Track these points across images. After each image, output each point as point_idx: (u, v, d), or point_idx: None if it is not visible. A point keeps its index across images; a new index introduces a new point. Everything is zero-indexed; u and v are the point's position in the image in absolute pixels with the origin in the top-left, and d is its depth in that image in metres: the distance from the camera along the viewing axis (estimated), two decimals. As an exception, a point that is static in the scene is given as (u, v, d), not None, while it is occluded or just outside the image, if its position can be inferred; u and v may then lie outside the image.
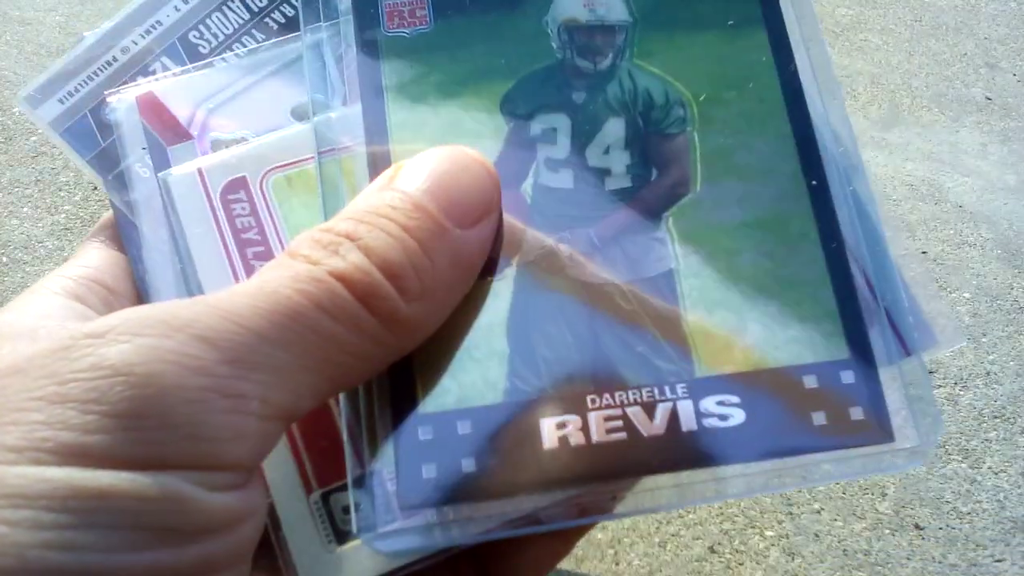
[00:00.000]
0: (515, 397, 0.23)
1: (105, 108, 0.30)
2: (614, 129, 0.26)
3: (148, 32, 0.32)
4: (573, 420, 0.23)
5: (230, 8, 0.32)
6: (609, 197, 0.25)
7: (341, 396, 0.24)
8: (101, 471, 0.19)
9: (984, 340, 0.72)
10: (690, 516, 0.51)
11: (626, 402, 0.23)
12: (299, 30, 0.30)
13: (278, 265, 0.23)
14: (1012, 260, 0.77)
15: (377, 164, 0.25)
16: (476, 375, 0.24)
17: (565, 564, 0.50)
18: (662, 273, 0.25)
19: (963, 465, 0.56)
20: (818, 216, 0.25)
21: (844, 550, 0.49)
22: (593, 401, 0.23)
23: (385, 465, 0.23)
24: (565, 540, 0.28)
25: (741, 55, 0.27)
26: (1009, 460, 0.57)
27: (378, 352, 0.23)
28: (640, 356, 0.24)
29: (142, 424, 0.19)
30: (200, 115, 0.30)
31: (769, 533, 0.51)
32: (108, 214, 0.31)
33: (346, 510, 0.24)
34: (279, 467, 0.25)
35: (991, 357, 0.70)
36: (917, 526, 0.50)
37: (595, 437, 0.23)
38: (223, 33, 0.32)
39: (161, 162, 0.29)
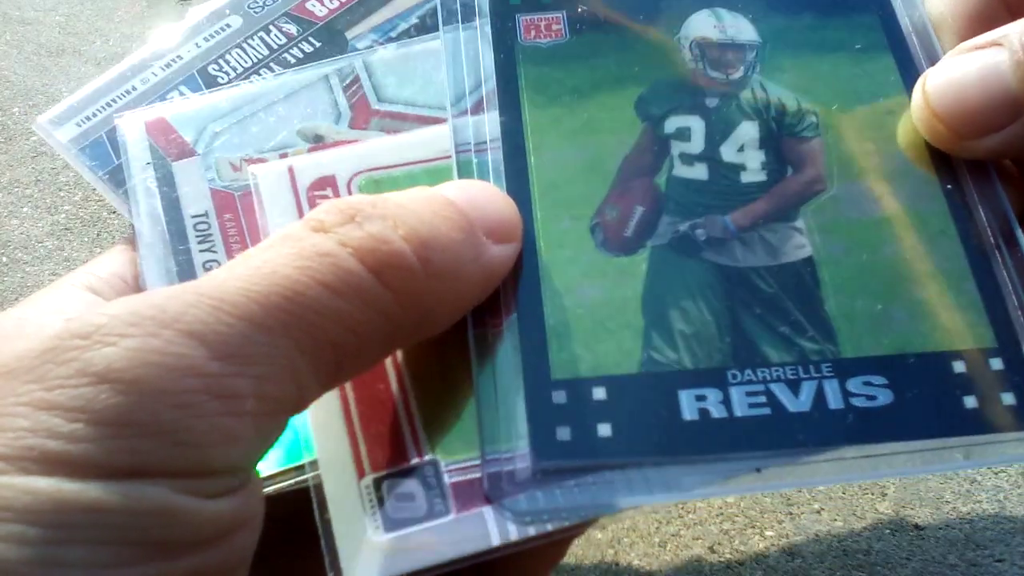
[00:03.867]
0: (652, 368, 0.24)
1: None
2: (748, 131, 0.27)
3: (168, 65, 0.34)
4: (714, 393, 0.23)
5: (250, 45, 0.33)
6: (744, 188, 0.27)
7: (472, 357, 0.24)
8: (87, 482, 0.18)
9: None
10: (690, 516, 0.51)
11: (769, 379, 0.24)
12: (313, 64, 0.32)
13: (285, 238, 0.22)
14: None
15: (514, 159, 0.26)
16: (610, 345, 0.24)
17: (564, 564, 0.50)
18: (802, 260, 0.26)
19: (963, 465, 0.56)
20: (955, 216, 0.26)
21: (844, 550, 0.49)
22: (734, 376, 0.24)
23: (517, 428, 0.23)
24: (561, 543, 0.28)
25: (869, 75, 0.28)
26: (1009, 460, 0.56)
27: (386, 329, 0.22)
28: (782, 335, 0.24)
29: (128, 432, 0.18)
30: (206, 136, 0.30)
31: (769, 533, 0.51)
32: None
33: (399, 497, 0.23)
34: (331, 448, 0.24)
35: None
36: (917, 526, 0.50)
37: (737, 411, 0.23)
38: (242, 66, 0.34)
39: (165, 177, 0.30)
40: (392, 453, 0.24)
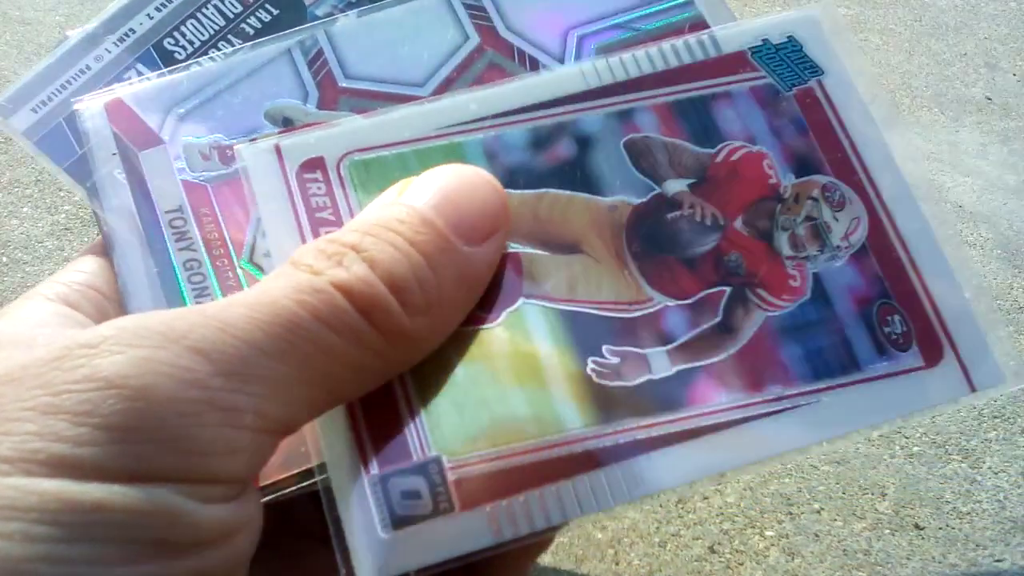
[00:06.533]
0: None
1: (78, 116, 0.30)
2: None
3: (122, 40, 0.32)
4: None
5: (204, 15, 0.32)
6: None
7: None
8: (92, 484, 0.18)
9: (984, 340, 0.72)
10: (690, 516, 0.51)
11: None
12: (272, 34, 0.30)
13: (280, 275, 0.22)
14: (1012, 260, 0.77)
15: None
16: None
17: (565, 564, 0.50)
18: None
19: (963, 465, 0.56)
20: None
21: (844, 550, 0.49)
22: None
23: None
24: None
25: None
26: (1009, 460, 0.57)
27: (378, 365, 0.23)
28: None
29: (134, 437, 0.19)
30: (171, 120, 0.29)
31: (769, 533, 0.51)
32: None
33: (405, 495, 0.24)
34: (338, 447, 0.25)
35: (991, 357, 0.70)
36: (917, 526, 0.50)
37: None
38: (199, 39, 0.32)
39: (132, 168, 0.29)
40: (396, 449, 0.24)
